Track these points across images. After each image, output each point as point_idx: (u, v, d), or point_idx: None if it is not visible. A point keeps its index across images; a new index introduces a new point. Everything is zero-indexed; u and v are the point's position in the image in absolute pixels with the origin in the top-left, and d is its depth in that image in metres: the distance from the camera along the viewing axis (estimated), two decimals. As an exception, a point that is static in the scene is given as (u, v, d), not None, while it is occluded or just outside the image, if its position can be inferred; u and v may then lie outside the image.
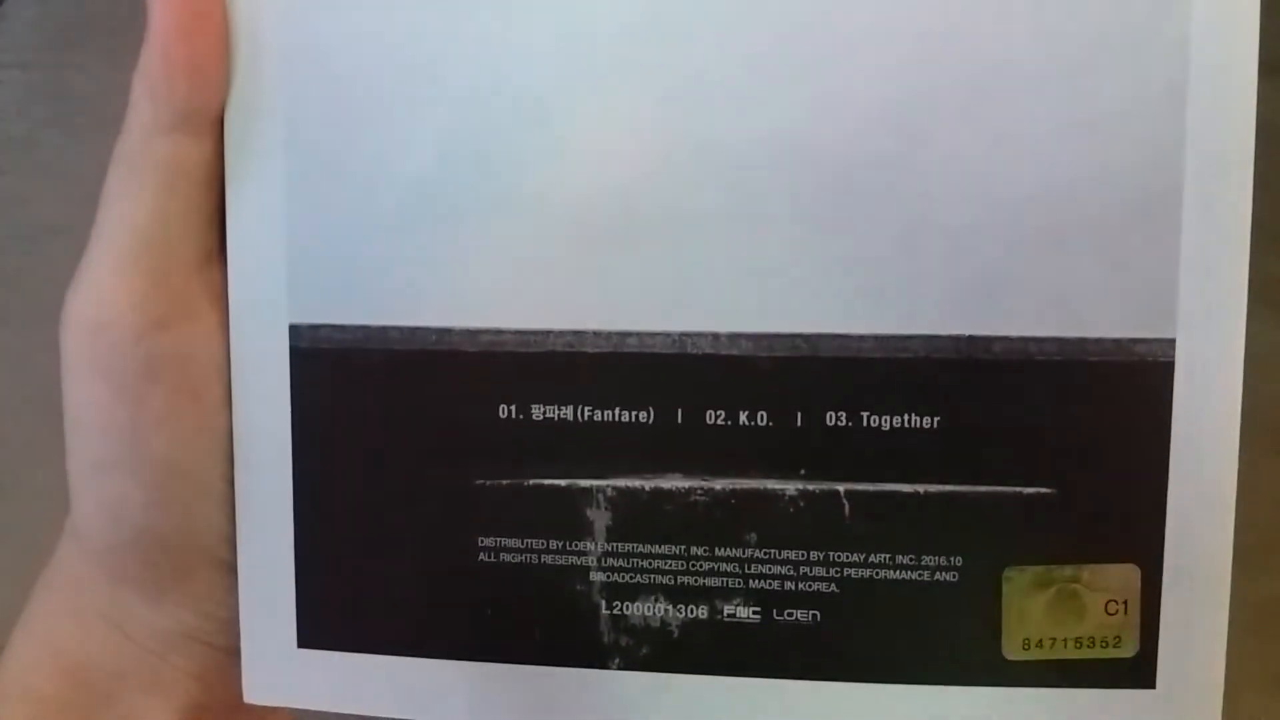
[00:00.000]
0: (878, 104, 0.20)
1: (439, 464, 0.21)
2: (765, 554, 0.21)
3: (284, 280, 0.21)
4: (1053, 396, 0.20)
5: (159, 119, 0.20)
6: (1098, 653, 0.20)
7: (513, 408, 0.21)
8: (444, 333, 0.21)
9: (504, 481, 0.21)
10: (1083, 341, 0.20)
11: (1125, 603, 0.20)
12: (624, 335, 0.20)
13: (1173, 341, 0.19)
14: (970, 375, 0.20)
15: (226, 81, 0.21)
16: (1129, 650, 0.20)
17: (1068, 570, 0.20)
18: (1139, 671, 0.20)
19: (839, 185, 0.20)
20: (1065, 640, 0.20)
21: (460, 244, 0.21)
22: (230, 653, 0.22)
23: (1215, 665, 0.20)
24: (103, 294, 0.21)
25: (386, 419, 0.21)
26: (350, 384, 0.21)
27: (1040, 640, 0.20)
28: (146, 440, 0.21)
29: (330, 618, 0.22)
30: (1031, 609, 0.20)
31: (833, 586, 0.20)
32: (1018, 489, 0.20)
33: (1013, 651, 0.20)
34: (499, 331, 0.21)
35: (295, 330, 0.21)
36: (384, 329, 0.21)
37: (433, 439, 0.21)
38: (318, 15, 0.21)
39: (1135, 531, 0.20)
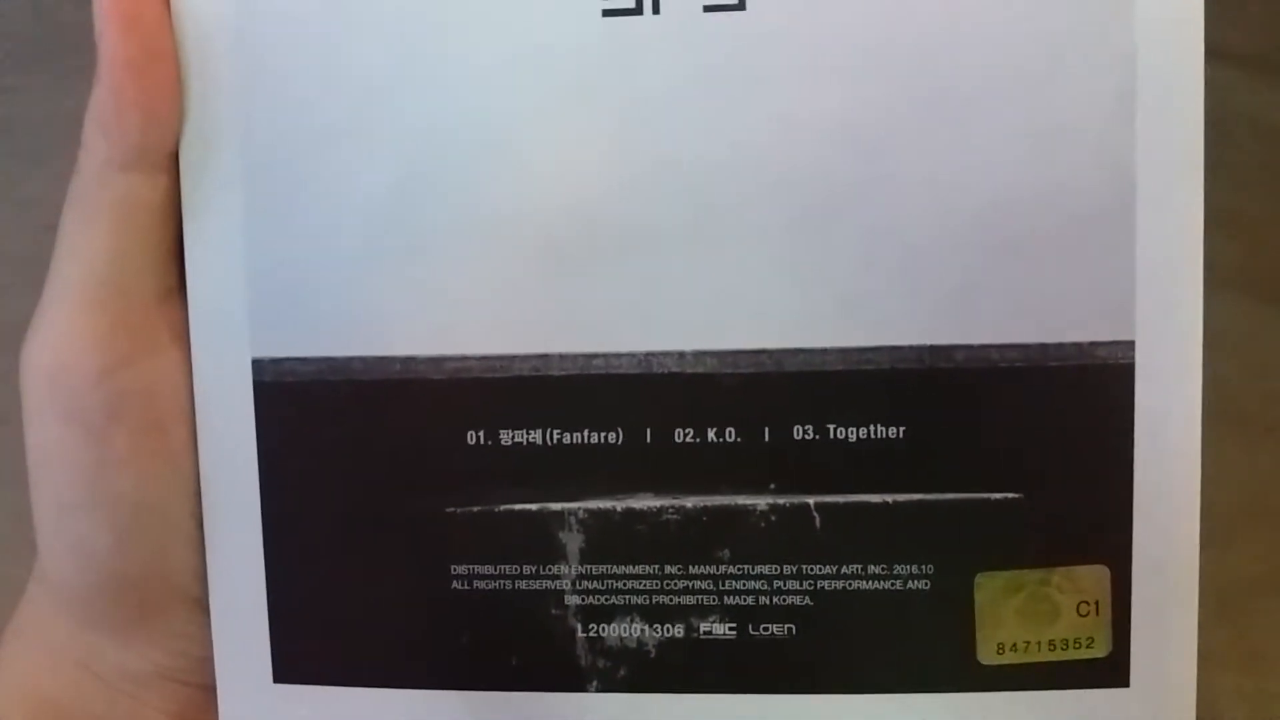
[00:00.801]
0: (836, 121, 0.20)
1: (408, 493, 0.21)
2: (739, 570, 0.21)
3: (245, 314, 0.21)
4: (1017, 402, 0.20)
5: (113, 157, 0.20)
6: (1071, 654, 0.20)
7: (481, 434, 0.21)
8: (409, 361, 0.21)
9: (475, 508, 0.21)
10: (1044, 347, 0.20)
11: (1096, 603, 0.20)
12: (590, 357, 0.20)
13: (1132, 344, 0.20)
14: (934, 385, 0.20)
15: (180, 117, 0.20)
16: (1102, 650, 0.20)
17: (1038, 574, 0.20)
18: (1113, 671, 0.20)
19: (799, 202, 0.20)
20: (1039, 643, 0.20)
21: (422, 271, 0.21)
22: (207, 690, 0.22)
23: (1187, 659, 0.20)
24: (61, 335, 0.20)
25: (354, 450, 0.21)
26: (316, 417, 0.21)
27: (1014, 644, 0.20)
28: (112, 480, 0.21)
29: (305, 652, 0.22)
30: (1004, 614, 0.20)
31: (807, 599, 0.21)
32: (985, 495, 0.20)
33: (987, 656, 0.20)
34: (464, 358, 0.21)
35: (258, 365, 0.21)
36: (348, 360, 0.21)
37: (401, 469, 0.21)
38: (271, 47, 0.20)
39: (1103, 532, 0.20)
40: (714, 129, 0.20)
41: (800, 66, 0.20)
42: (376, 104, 0.20)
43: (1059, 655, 0.20)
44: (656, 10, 0.20)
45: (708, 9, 0.20)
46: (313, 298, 0.21)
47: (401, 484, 0.21)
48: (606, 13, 0.20)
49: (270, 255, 0.21)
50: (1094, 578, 0.20)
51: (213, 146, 0.21)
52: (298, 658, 0.21)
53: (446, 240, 0.20)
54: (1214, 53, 0.20)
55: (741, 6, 0.20)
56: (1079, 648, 0.20)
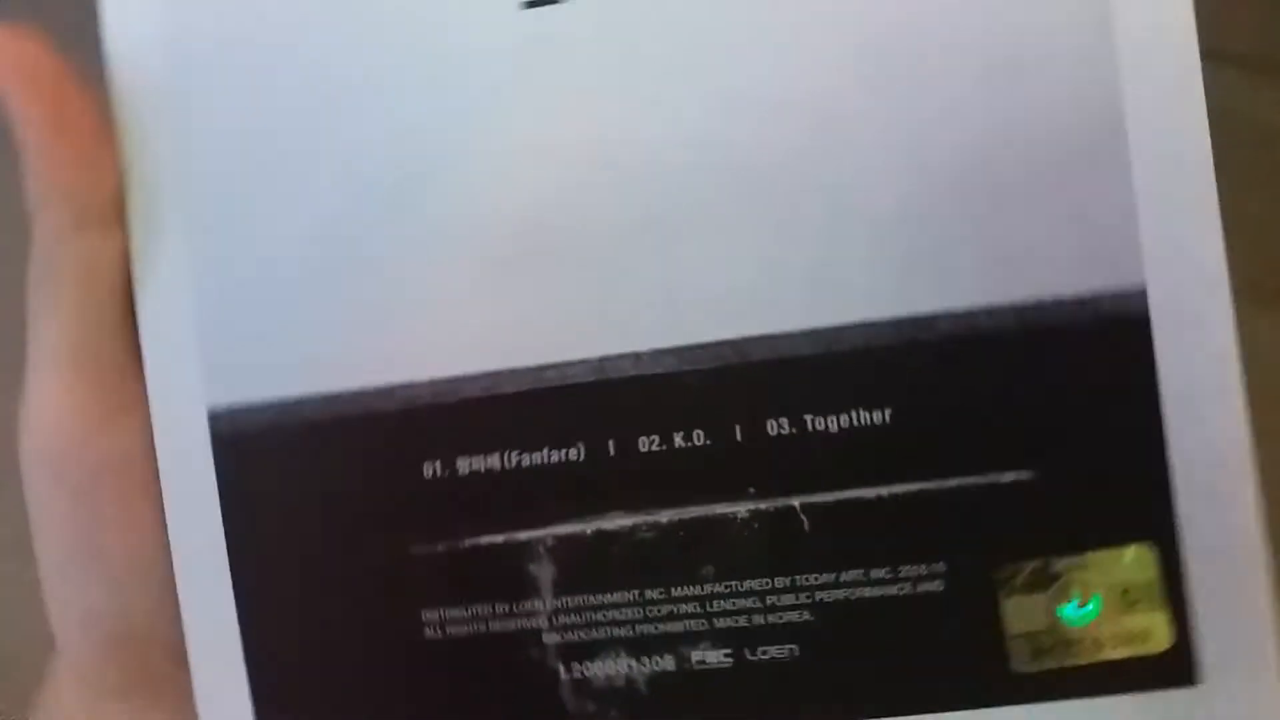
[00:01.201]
0: (778, 89, 0.18)
1: (372, 536, 0.20)
2: (726, 587, 0.19)
3: (198, 364, 0.20)
4: (1015, 370, 0.18)
5: (61, 222, 0.20)
6: (1122, 652, 0.18)
7: (437, 464, 0.19)
8: (358, 395, 0.20)
9: (439, 547, 0.19)
10: (1039, 306, 0.18)
11: (1146, 589, 0.18)
12: (541, 370, 0.19)
13: (1143, 292, 0.17)
14: (917, 359, 0.18)
15: (118, 168, 0.20)
16: (1160, 644, 0.18)
17: (1069, 560, 0.18)
18: (1175, 667, 0.18)
19: (749, 184, 0.18)
20: (1081, 642, 0.18)
21: (364, 299, 0.19)
22: None
23: (1265, 648, 0.17)
24: (45, 404, 0.20)
25: (315, 495, 0.20)
26: (273, 464, 0.20)
27: (1051, 647, 0.18)
28: (103, 541, 0.20)
29: (286, 709, 0.20)
30: (1034, 611, 0.18)
31: (806, 614, 0.18)
32: (993, 478, 0.18)
33: (1022, 663, 0.18)
34: (411, 385, 0.19)
35: (214, 416, 0.20)
36: (299, 401, 0.20)
37: (362, 510, 0.20)
38: (199, 87, 0.20)
39: (1140, 508, 0.18)
40: (650, 116, 0.18)
41: (734, 40, 0.18)
42: (307, 134, 0.20)
43: (1109, 655, 0.18)
44: None
45: None
46: (261, 340, 0.20)
47: (364, 527, 0.20)
48: (526, 4, 0.19)
49: (218, 301, 0.20)
50: (1138, 560, 0.18)
51: (153, 194, 0.20)
52: (279, 715, 0.20)
53: (385, 265, 0.19)
54: (1214, 53, 0.18)
55: None
56: (1131, 644, 0.18)
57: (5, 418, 0.23)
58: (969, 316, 0.18)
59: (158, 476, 0.21)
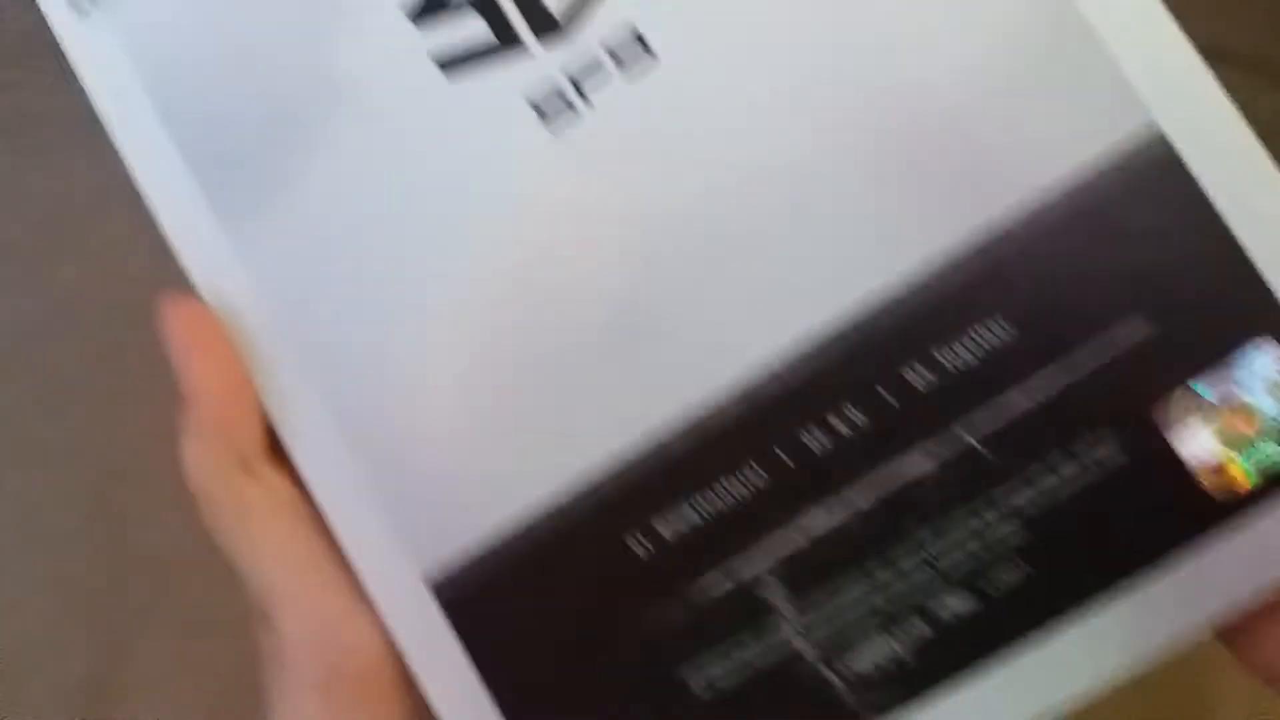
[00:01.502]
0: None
1: (611, 624, 0.21)
2: (942, 540, 0.20)
3: (398, 542, 0.22)
4: (1091, 238, 0.20)
5: (230, 463, 0.22)
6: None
7: (639, 535, 0.21)
8: (545, 506, 0.21)
9: (675, 611, 0.21)
10: (1076, 179, 0.19)
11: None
12: (688, 410, 0.21)
13: (1153, 124, 0.19)
14: (1008, 266, 0.20)
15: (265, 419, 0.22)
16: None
17: (1206, 381, 0.19)
18: None
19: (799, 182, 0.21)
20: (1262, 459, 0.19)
21: (523, 416, 0.21)
22: None
23: None
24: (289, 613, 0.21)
25: (546, 614, 0.21)
26: (500, 603, 0.21)
27: (1235, 467, 0.19)
28: None
29: None
30: (1205, 440, 0.19)
31: (1020, 530, 0.20)
32: (1113, 333, 0.19)
33: (1220, 491, 0.19)
34: (588, 472, 0.21)
35: (435, 586, 0.22)
36: (498, 536, 0.21)
37: (594, 609, 0.21)
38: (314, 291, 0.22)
39: (1247, 313, 0.19)
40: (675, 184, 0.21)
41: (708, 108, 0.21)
42: (414, 291, 0.22)
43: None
44: (587, 101, 0.21)
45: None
46: (447, 492, 0.22)
47: (603, 626, 0.21)
48: (541, 117, 0.21)
49: (391, 472, 0.22)
50: (1272, 358, 0.19)
51: (288, 397, 0.22)
52: None
53: (520, 374, 0.21)
54: (1214, 53, 0.20)
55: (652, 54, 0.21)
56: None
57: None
58: (1030, 214, 0.20)
59: (397, 671, 0.22)
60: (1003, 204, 0.20)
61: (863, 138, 0.20)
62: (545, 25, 0.21)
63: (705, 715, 0.20)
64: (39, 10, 0.23)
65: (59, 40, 0.23)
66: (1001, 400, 0.20)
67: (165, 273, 0.23)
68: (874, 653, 0.20)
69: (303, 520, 0.22)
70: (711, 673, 0.21)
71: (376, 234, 0.22)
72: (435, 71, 0.22)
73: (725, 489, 0.21)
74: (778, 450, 0.21)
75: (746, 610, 0.20)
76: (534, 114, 0.21)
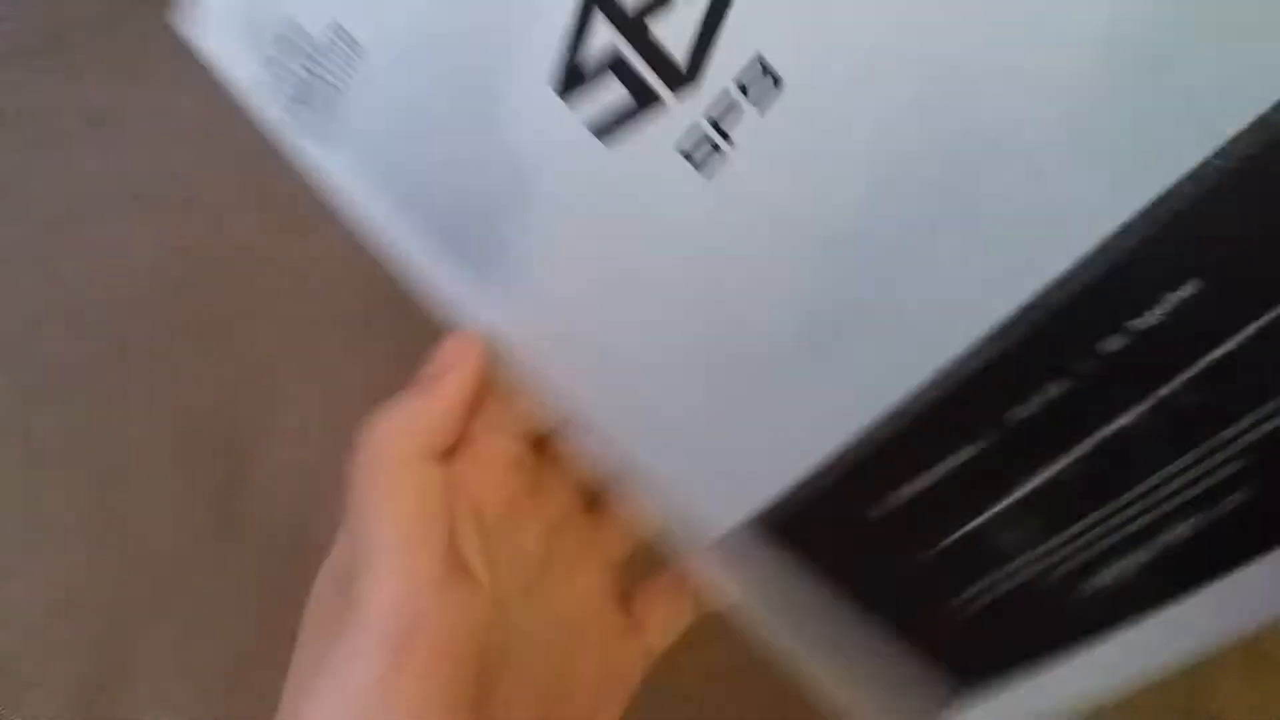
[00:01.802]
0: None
1: (889, 565, 0.24)
2: (1161, 477, 0.22)
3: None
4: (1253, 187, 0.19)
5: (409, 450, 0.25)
6: None
7: (880, 502, 0.24)
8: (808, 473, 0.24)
9: (944, 545, 0.24)
10: (1260, 120, 0.18)
11: None
12: (904, 399, 0.23)
13: None
14: (1187, 228, 0.19)
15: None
16: None
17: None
18: None
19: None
20: None
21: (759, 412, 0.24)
22: None
23: None
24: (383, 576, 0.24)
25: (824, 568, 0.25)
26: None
27: None
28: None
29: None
30: None
31: (1236, 462, 0.21)
32: None
33: None
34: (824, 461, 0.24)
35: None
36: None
37: (871, 551, 0.25)
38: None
39: None
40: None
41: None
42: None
43: None
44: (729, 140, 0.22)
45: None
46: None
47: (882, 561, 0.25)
48: (692, 164, 0.23)
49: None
50: None
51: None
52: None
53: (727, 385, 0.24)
54: None
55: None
56: None
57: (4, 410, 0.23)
58: (1194, 172, 0.19)
59: (470, 651, 0.24)
60: (1155, 182, 0.19)
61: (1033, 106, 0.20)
62: (674, 78, 0.22)
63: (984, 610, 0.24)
64: (46, 10, 0.24)
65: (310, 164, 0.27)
66: (1199, 357, 0.20)
67: (167, 273, 0.23)
68: (1112, 574, 0.23)
69: (434, 513, 0.24)
70: (973, 590, 0.24)
71: (586, 292, 0.25)
72: (594, 140, 0.23)
73: (952, 455, 0.23)
74: (993, 423, 0.22)
75: (1000, 542, 0.23)
76: (686, 164, 0.23)
